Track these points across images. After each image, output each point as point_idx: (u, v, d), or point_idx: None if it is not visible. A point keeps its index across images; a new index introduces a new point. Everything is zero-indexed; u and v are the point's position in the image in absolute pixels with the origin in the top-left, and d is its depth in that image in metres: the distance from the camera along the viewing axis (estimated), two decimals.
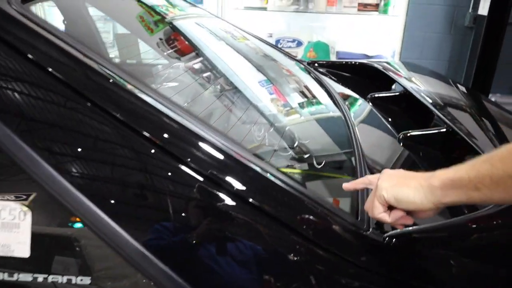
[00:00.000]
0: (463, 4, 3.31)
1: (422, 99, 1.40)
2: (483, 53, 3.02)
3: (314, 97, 1.64)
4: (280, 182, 0.69)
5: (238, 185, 0.65)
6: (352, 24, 3.31)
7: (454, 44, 3.44)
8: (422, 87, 1.60)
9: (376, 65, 1.85)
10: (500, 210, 0.64)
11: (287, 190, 0.67)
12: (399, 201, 0.64)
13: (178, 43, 1.69)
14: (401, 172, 0.69)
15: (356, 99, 1.71)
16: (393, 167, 1.14)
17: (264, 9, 3.22)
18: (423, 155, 1.18)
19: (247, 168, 0.69)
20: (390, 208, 0.66)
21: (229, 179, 0.65)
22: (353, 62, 2.02)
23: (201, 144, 0.68)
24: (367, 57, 3.16)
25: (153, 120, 0.70)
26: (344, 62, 2.08)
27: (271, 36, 3.51)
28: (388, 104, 1.59)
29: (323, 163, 0.98)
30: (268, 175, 0.70)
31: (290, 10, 3.20)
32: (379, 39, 3.29)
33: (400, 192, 0.64)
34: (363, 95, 1.68)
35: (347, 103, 1.54)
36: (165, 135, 0.67)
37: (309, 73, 1.93)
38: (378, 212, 0.66)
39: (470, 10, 3.27)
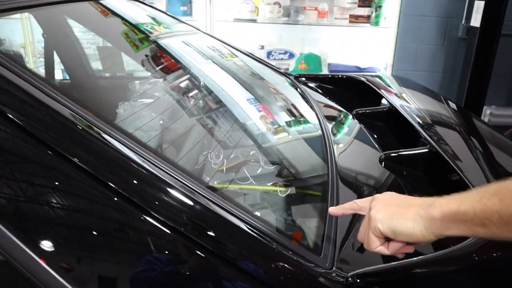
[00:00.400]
0: (456, 15, 3.27)
1: (407, 117, 1.34)
2: (476, 65, 2.98)
3: (295, 115, 1.59)
4: (229, 217, 0.62)
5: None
6: (343, 36, 3.27)
7: (447, 56, 3.39)
8: (410, 104, 1.54)
9: (363, 79, 1.80)
10: (470, 250, 0.58)
11: (236, 227, 0.61)
12: (398, 233, 0.59)
13: (162, 63, 1.66)
14: (394, 198, 0.64)
15: (339, 116, 1.66)
16: (374, 190, 1.08)
17: (254, 21, 3.18)
18: (405, 177, 1.11)
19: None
20: (387, 238, 0.61)
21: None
22: (340, 76, 1.96)
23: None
24: (359, 69, 3.11)
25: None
26: (330, 76, 2.02)
27: (262, 48, 3.47)
28: (373, 121, 1.53)
29: (290, 190, 0.92)
30: (216, 207, 0.64)
31: (280, 22, 3.16)
32: (371, 51, 3.25)
33: (398, 224, 0.58)
34: (350, 110, 1.62)
35: (329, 120, 1.48)
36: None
37: (295, 88, 1.87)
38: (375, 246, 0.61)
39: (463, 21, 3.23)
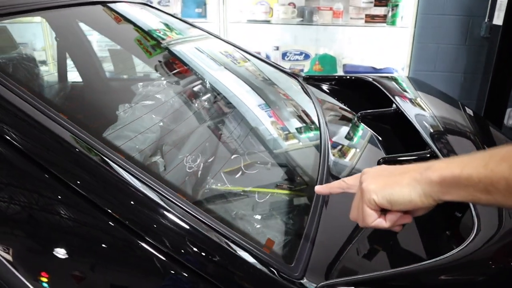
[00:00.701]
0: (478, 14, 3.15)
1: (412, 120, 1.29)
2: (499, 65, 2.86)
3: (296, 119, 1.57)
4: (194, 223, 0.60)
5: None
6: (359, 36, 3.20)
7: (469, 56, 3.27)
8: (420, 107, 1.49)
9: (371, 80, 1.75)
10: (453, 262, 0.54)
11: (200, 232, 0.59)
12: (394, 203, 0.56)
13: (174, 70, 1.68)
14: (385, 168, 0.61)
15: (343, 118, 1.61)
16: None
17: (268, 22, 3.16)
18: None
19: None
20: (383, 210, 0.58)
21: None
22: (348, 77, 1.92)
23: None
24: (375, 70, 3.04)
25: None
26: (339, 77, 1.98)
27: (277, 49, 3.45)
28: (379, 123, 1.48)
29: (271, 194, 0.89)
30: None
31: (294, 22, 3.13)
32: (388, 52, 3.17)
33: (393, 193, 0.55)
34: (357, 112, 1.58)
35: (331, 123, 1.45)
36: None
37: (303, 90, 1.84)
38: (372, 220, 0.58)
39: (486, 19, 3.11)
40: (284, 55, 3.49)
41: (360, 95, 1.81)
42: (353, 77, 1.85)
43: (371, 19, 3.03)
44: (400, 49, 3.09)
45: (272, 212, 0.87)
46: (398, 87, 1.79)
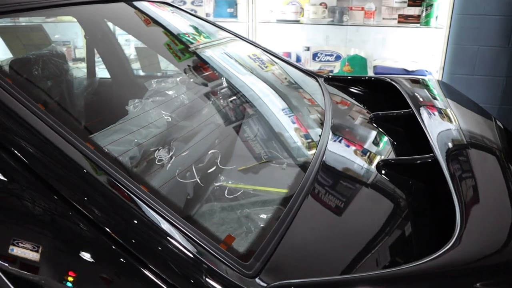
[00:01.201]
0: None
1: (423, 123, 1.23)
2: None
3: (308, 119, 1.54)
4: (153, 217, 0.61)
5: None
6: (391, 37, 3.10)
7: None
8: (440, 113, 1.41)
9: (389, 81, 1.69)
10: (416, 271, 0.51)
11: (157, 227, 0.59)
12: None
13: (202, 75, 1.72)
14: None
15: (353, 119, 1.57)
16: (363, 199, 1.01)
17: (298, 22, 3.13)
18: (403, 186, 1.02)
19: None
20: None
21: None
22: (368, 78, 1.87)
23: None
24: (407, 72, 2.93)
25: None
26: (360, 77, 1.93)
27: (308, 50, 3.41)
28: (391, 125, 1.43)
29: (244, 191, 0.88)
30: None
31: (324, 23, 3.08)
32: (421, 53, 3.04)
33: None
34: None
35: (339, 123, 1.41)
36: None
37: (321, 91, 1.81)
38: None
39: None
40: (315, 55, 3.44)
41: (379, 96, 1.76)
42: (372, 78, 1.80)
43: (404, 19, 2.92)
44: (434, 51, 2.96)
45: (242, 209, 0.86)
46: (422, 90, 1.71)
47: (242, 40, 2.08)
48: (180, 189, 0.90)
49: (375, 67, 3.05)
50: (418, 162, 1.02)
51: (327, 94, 1.69)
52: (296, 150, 1.57)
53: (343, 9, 3.03)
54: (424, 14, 2.84)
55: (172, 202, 0.80)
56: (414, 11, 2.88)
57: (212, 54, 1.86)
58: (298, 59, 3.55)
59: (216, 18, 3.33)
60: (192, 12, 2.10)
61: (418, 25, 2.89)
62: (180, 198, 0.87)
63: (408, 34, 3.07)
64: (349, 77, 1.95)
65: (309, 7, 3.05)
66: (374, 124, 1.43)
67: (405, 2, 2.87)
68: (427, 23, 2.85)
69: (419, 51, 3.08)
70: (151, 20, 1.90)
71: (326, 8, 3.08)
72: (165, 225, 0.60)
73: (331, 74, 2.70)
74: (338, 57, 3.39)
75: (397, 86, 1.63)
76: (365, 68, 3.06)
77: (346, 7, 3.04)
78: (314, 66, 3.40)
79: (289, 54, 3.50)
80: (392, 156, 1.17)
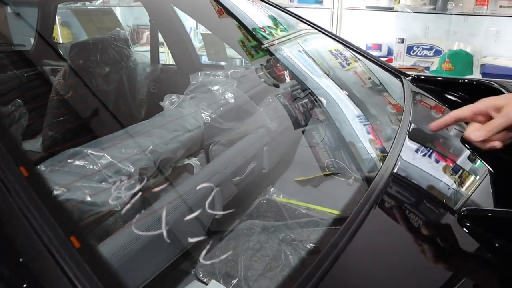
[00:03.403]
0: None
1: None
2: None
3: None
4: None
5: None
6: (509, 29, 2.54)
7: None
8: None
9: (498, 87, 1.29)
10: None
11: None
12: None
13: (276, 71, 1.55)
14: None
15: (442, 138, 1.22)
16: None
17: (391, 9, 2.72)
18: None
19: None
20: None
21: None
22: (470, 81, 1.47)
23: None
24: None
25: None
26: (458, 80, 1.53)
27: (402, 42, 2.99)
28: (498, 152, 1.06)
29: None
30: None
31: (424, 11, 2.63)
32: None
33: None
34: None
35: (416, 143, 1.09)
36: None
37: (403, 95, 1.46)
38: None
39: None
40: (409, 49, 3.00)
41: None
42: (474, 81, 1.40)
43: None
44: None
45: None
46: None
47: (320, 33, 1.80)
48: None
49: (483, 65, 2.53)
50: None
51: (409, 96, 1.35)
52: (366, 163, 1.29)
53: None
54: None
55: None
56: None
57: (286, 51, 1.63)
58: (390, 52, 3.13)
59: (300, 4, 3.06)
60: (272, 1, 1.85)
61: None
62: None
63: None
64: (443, 79, 1.56)
65: None
66: (466, 145, 1.07)
67: None
68: None
69: None
70: (224, 11, 1.70)
71: None
72: None
73: (424, 73, 2.29)
74: (438, 52, 2.91)
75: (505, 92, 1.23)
76: (470, 66, 2.55)
77: None
78: (407, 61, 2.96)
79: (379, 46, 3.10)
80: (489, 200, 0.84)
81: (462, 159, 1.08)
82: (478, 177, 0.99)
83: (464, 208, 0.72)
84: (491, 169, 0.96)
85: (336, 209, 1.30)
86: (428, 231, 0.75)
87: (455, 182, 0.94)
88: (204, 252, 0.64)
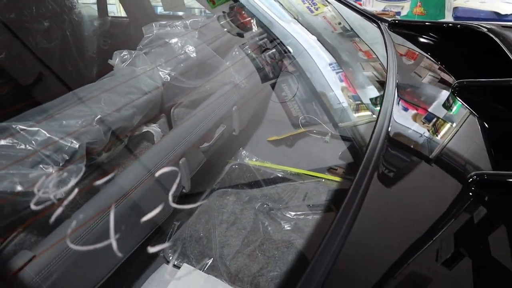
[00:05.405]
0: None
1: None
2: None
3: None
4: None
5: None
6: None
7: None
8: None
9: (485, 31, 1.19)
10: None
11: None
12: None
13: (241, 19, 1.38)
14: None
15: (429, 89, 1.12)
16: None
17: None
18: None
19: None
20: None
21: None
22: (452, 25, 1.36)
23: None
24: (498, 17, 2.30)
25: None
26: (439, 24, 1.42)
27: None
28: (487, 100, 0.97)
29: None
30: None
31: None
32: None
33: None
34: (456, 79, 1.08)
35: (404, 95, 0.98)
36: None
37: (384, 42, 1.34)
38: None
39: None
40: None
41: (468, 53, 1.26)
42: (458, 25, 1.29)
43: None
44: None
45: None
46: None
47: None
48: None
49: (455, 9, 2.44)
50: None
51: (391, 45, 1.23)
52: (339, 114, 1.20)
53: None
54: None
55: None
56: None
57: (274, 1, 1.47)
58: None
59: None
60: None
61: None
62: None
63: None
64: (423, 23, 1.44)
65: None
66: (458, 98, 0.97)
67: None
68: None
69: None
70: None
71: None
72: None
73: (398, 18, 2.17)
74: None
75: (495, 39, 1.13)
76: (442, 10, 2.45)
77: None
78: (377, 6, 2.82)
79: None
80: (497, 153, 0.75)
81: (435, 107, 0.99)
82: (454, 124, 0.90)
83: (473, 173, 0.62)
84: (487, 125, 0.86)
85: (315, 170, 1.20)
86: (431, 198, 0.65)
87: (428, 130, 0.85)
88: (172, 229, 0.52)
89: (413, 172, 0.70)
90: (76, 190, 0.46)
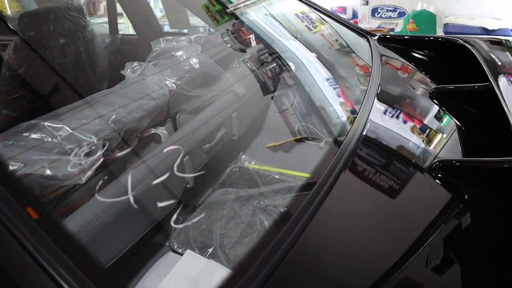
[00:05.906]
0: None
1: (508, 103, 0.88)
2: None
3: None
4: None
5: None
6: None
7: None
8: None
9: (462, 43, 1.30)
10: None
11: None
12: None
13: (243, 36, 1.49)
14: None
15: (408, 95, 1.22)
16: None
17: None
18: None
19: None
20: None
21: None
22: (434, 39, 1.47)
23: None
24: (486, 32, 2.42)
25: None
26: (423, 38, 1.53)
27: (366, 4, 2.97)
28: (461, 103, 1.07)
29: None
30: None
31: None
32: (506, 8, 2.49)
33: None
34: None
35: (385, 100, 1.08)
36: None
37: (371, 54, 1.45)
38: None
39: None
40: (374, 11, 2.99)
41: (447, 62, 1.37)
42: (439, 39, 1.41)
43: None
44: None
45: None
46: (506, 55, 1.31)
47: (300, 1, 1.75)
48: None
49: (446, 25, 2.56)
50: (503, 166, 0.69)
51: (377, 57, 1.34)
52: (337, 126, 1.29)
53: None
54: None
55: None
56: None
57: (252, 15, 1.58)
58: (355, 14, 3.11)
59: None
60: None
61: None
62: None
63: None
64: (409, 37, 1.56)
65: None
66: (435, 101, 1.08)
67: None
68: None
69: (503, 6, 2.53)
70: None
71: None
72: None
73: (390, 33, 2.29)
74: (402, 14, 2.92)
75: (472, 50, 1.24)
76: (434, 26, 2.58)
77: None
78: (372, 24, 2.96)
79: (344, 9, 3.08)
80: (458, 153, 0.84)
81: (429, 119, 1.08)
82: (445, 135, 1.00)
83: (436, 160, 0.72)
84: (458, 123, 0.96)
85: (308, 173, 1.30)
86: (400, 190, 0.75)
87: (423, 141, 0.95)
88: (174, 217, 0.62)
89: (385, 167, 0.79)
90: (101, 159, 0.57)
